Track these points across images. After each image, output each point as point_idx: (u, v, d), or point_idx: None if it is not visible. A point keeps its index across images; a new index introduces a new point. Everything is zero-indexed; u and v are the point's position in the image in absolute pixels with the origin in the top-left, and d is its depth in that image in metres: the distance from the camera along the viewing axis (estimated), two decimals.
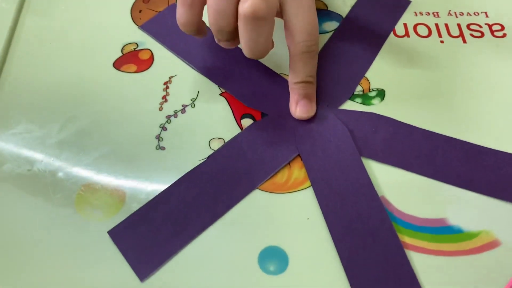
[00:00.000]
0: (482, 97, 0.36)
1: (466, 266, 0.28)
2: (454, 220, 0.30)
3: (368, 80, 0.37)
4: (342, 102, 0.35)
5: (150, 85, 0.36)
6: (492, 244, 0.29)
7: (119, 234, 0.30)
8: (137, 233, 0.30)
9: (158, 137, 0.34)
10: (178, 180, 0.31)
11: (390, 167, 0.32)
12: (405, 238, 0.29)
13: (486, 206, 0.31)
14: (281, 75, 0.37)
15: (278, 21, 0.33)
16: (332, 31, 0.40)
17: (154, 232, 0.30)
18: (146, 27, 0.40)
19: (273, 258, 0.29)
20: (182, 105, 0.35)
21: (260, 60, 0.37)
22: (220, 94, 0.36)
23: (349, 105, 0.35)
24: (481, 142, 0.33)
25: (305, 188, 0.31)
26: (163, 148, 0.33)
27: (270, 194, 0.31)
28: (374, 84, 0.36)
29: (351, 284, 0.28)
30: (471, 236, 0.30)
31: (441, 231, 0.30)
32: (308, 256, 0.29)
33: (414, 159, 0.33)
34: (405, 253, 0.29)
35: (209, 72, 0.37)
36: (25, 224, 0.30)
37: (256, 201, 0.31)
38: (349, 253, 0.29)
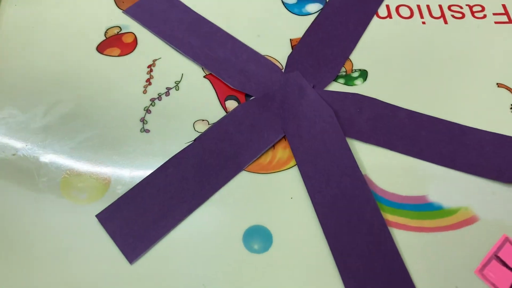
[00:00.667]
0: (464, 77, 0.36)
1: (446, 241, 0.29)
2: (435, 197, 0.31)
3: (351, 61, 0.37)
4: (327, 83, 0.36)
5: (134, 68, 0.36)
6: (470, 220, 0.30)
7: (107, 217, 0.30)
8: (125, 216, 0.30)
9: (143, 120, 0.34)
10: (165, 163, 0.32)
11: (373, 147, 0.33)
12: (388, 216, 0.30)
13: (466, 184, 0.31)
14: (265, 56, 0.37)
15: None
16: (316, 12, 0.40)
17: (142, 215, 0.30)
18: (130, 11, 0.40)
19: (258, 237, 0.29)
20: (166, 88, 0.35)
21: (244, 42, 0.37)
22: (204, 77, 0.36)
23: (333, 86, 0.36)
24: (464, 122, 0.34)
25: (289, 168, 0.32)
26: (147, 131, 0.33)
27: (255, 174, 0.32)
28: (357, 65, 0.37)
29: (336, 262, 0.28)
30: (450, 212, 0.30)
31: (422, 208, 0.30)
32: (292, 234, 0.29)
33: (398, 139, 0.33)
34: (389, 231, 0.29)
35: (193, 55, 0.37)
36: (10, 209, 0.30)
37: (241, 181, 0.31)
38: (335, 231, 0.29)
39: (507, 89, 0.36)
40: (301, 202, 0.30)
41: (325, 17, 0.39)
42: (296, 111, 0.34)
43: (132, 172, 0.31)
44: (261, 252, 0.29)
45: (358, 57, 0.37)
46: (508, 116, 0.34)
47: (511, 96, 0.35)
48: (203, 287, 0.27)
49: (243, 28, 0.38)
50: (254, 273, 0.28)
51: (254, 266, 0.28)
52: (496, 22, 0.39)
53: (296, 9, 0.40)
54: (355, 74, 0.36)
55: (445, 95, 0.35)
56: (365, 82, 0.36)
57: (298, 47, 0.37)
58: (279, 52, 0.37)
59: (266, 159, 0.32)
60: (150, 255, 0.29)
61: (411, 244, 0.29)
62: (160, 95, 0.35)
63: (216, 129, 0.33)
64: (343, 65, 0.37)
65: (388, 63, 0.37)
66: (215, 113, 0.34)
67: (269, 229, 0.29)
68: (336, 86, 0.36)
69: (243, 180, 0.31)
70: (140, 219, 0.30)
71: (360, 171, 0.31)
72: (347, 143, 0.32)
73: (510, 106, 0.35)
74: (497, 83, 0.36)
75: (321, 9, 0.40)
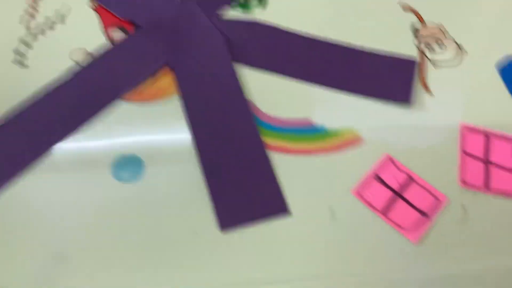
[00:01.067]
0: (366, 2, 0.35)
1: (325, 163, 0.28)
2: (319, 119, 0.30)
3: None
4: (220, 7, 0.34)
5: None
6: (354, 141, 0.29)
7: None
8: None
9: (20, 53, 0.32)
10: (41, 93, 0.30)
11: (264, 73, 0.31)
12: (268, 140, 0.29)
13: (353, 106, 0.30)
14: None
15: None
16: None
17: (11, 144, 0.29)
18: None
19: (128, 166, 0.28)
20: (52, 22, 0.34)
21: None
22: (93, 9, 0.34)
23: (230, 14, 0.34)
24: (364, 43, 0.32)
25: (171, 97, 0.31)
26: (26, 66, 0.32)
27: (135, 104, 0.30)
28: None
29: (208, 184, 0.27)
30: (334, 134, 0.29)
31: (305, 131, 0.29)
32: (164, 161, 0.28)
33: (290, 64, 0.32)
34: (266, 154, 0.28)
35: None
36: None
37: (119, 112, 0.30)
38: (210, 155, 0.28)
39: (411, 10, 0.34)
40: (182, 130, 0.29)
41: None
42: (185, 39, 0.32)
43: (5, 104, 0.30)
44: (132, 180, 0.28)
45: None
46: (407, 36, 0.33)
47: (413, 16, 0.34)
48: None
49: None
50: (123, 202, 0.27)
51: (124, 195, 0.27)
52: None
53: None
54: (254, 2, 0.35)
55: (347, 17, 0.34)
56: (264, 9, 0.34)
57: None
58: None
59: (146, 87, 0.31)
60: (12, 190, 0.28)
61: (289, 167, 0.28)
62: (43, 30, 0.33)
63: (98, 60, 0.32)
64: None
65: None
66: (100, 45, 0.32)
67: (141, 158, 0.28)
68: (234, 14, 0.34)
69: (122, 111, 0.30)
70: (9, 148, 0.29)
71: (243, 97, 0.30)
72: (233, 69, 0.31)
73: (411, 28, 0.33)
74: (402, 5, 0.34)
75: None
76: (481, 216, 0.27)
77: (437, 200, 0.27)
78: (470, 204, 0.27)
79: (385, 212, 0.27)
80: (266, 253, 0.26)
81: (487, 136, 0.28)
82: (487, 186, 0.27)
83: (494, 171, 0.28)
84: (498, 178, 0.28)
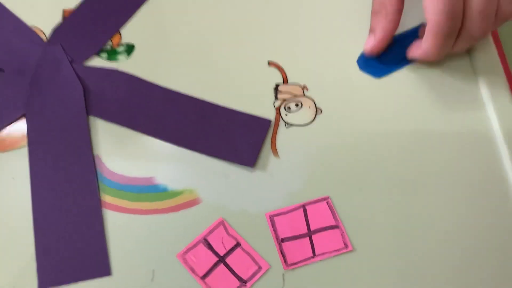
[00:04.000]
0: (237, 55, 0.35)
1: (158, 224, 0.29)
2: (162, 179, 0.30)
3: (120, 34, 0.35)
4: (87, 57, 0.34)
5: None
6: (192, 203, 0.30)
7: None
8: None
9: None
10: None
11: (117, 126, 0.32)
12: (107, 198, 0.30)
13: (197, 166, 0.31)
14: (33, 27, 0.35)
15: None
16: None
17: None
18: None
19: None
20: None
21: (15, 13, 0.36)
22: None
23: (95, 61, 0.34)
24: (227, 101, 0.33)
25: (21, 147, 0.31)
26: None
27: None
28: (125, 39, 0.35)
29: (35, 241, 0.28)
30: (174, 194, 0.30)
31: (146, 190, 0.30)
32: (2, 215, 0.29)
33: (144, 118, 0.32)
34: (101, 213, 0.29)
35: None
36: None
37: None
38: (45, 212, 0.29)
39: (276, 67, 0.35)
40: (24, 182, 0.30)
41: None
42: (45, 87, 0.33)
43: None
44: None
45: (131, 31, 0.36)
46: (269, 95, 0.34)
47: (279, 74, 0.35)
48: None
49: None
50: None
51: None
52: None
53: None
54: (121, 49, 0.35)
55: (211, 73, 0.34)
56: (130, 58, 0.35)
57: (68, 19, 0.36)
58: (49, 24, 0.35)
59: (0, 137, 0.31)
60: None
61: (123, 227, 0.29)
62: None
63: None
64: (108, 39, 0.35)
65: (159, 38, 0.35)
66: None
67: None
68: (97, 61, 0.34)
69: None
70: None
71: (90, 152, 0.31)
72: (86, 122, 0.32)
73: (274, 86, 0.34)
74: (268, 61, 0.35)
75: None
76: (299, 283, 0.28)
77: (259, 267, 0.28)
78: (290, 273, 0.28)
79: (204, 277, 0.27)
80: None
81: (303, 208, 0.29)
82: (314, 255, 0.28)
83: (315, 238, 0.29)
84: (320, 243, 0.29)
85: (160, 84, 0.33)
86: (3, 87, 0.33)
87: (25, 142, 0.31)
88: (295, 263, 0.28)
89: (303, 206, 0.30)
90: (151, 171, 0.31)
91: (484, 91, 0.33)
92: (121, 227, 0.29)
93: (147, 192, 0.30)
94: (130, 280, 0.27)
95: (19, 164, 0.30)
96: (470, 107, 0.33)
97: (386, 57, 0.34)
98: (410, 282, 0.28)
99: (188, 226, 0.29)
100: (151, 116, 0.32)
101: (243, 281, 0.27)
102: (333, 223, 0.29)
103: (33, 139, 0.31)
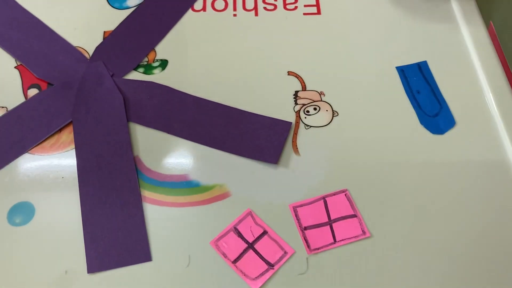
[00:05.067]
0: (261, 65, 0.39)
1: (194, 215, 0.32)
2: (194, 176, 0.34)
3: (155, 51, 0.40)
4: (126, 71, 0.39)
5: None
6: (223, 196, 0.33)
7: None
8: None
9: None
10: None
11: (154, 131, 0.36)
12: (146, 193, 0.33)
13: (226, 164, 0.34)
14: (77, 47, 0.40)
15: None
16: (135, 6, 0.42)
17: None
18: None
19: (21, 212, 0.32)
20: None
21: (61, 35, 0.40)
22: (15, 67, 0.39)
23: (132, 75, 0.39)
24: (253, 107, 0.36)
25: (69, 150, 0.35)
26: None
27: (37, 156, 0.34)
28: (160, 55, 0.39)
29: (84, 232, 0.31)
30: (206, 189, 0.33)
31: (180, 186, 0.33)
32: (54, 209, 0.32)
33: (178, 123, 0.36)
34: (141, 205, 0.32)
35: (9, 47, 0.40)
36: None
37: (21, 164, 0.34)
38: (91, 205, 0.32)
39: (295, 76, 0.38)
40: (71, 182, 0.33)
41: (141, 10, 0.42)
42: (89, 98, 0.37)
43: None
44: (22, 224, 0.32)
45: (164, 48, 0.40)
46: (289, 101, 0.37)
47: (298, 82, 0.38)
48: None
49: (63, 21, 0.41)
50: (14, 244, 0.31)
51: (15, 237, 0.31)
52: (305, 14, 0.42)
53: (117, 3, 0.43)
54: (156, 64, 0.39)
55: (237, 83, 0.38)
56: (164, 71, 0.39)
57: (108, 39, 0.40)
58: (91, 44, 0.40)
59: (50, 142, 0.35)
60: None
61: (161, 218, 0.32)
62: None
63: (9, 114, 0.36)
64: (146, 55, 0.39)
65: (190, 54, 0.39)
66: (16, 101, 0.37)
67: (33, 204, 0.32)
68: (135, 75, 0.38)
69: (23, 162, 0.34)
70: None
71: (131, 153, 0.34)
72: (127, 127, 0.35)
73: (294, 93, 0.38)
74: (288, 71, 0.39)
75: (140, 3, 0.42)
76: (321, 267, 0.30)
77: (285, 252, 0.31)
78: (314, 257, 0.31)
79: (235, 261, 0.30)
80: None
81: (324, 200, 0.32)
82: (334, 241, 0.31)
83: (336, 226, 0.31)
84: (340, 230, 0.31)
85: (191, 93, 0.37)
86: (53, 99, 0.37)
87: (73, 145, 0.35)
88: (317, 248, 0.31)
89: (323, 198, 0.32)
90: (184, 169, 0.34)
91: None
92: (159, 218, 0.32)
93: (182, 188, 0.33)
94: (168, 265, 0.30)
95: (68, 165, 0.34)
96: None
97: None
98: (422, 265, 0.30)
99: (219, 216, 0.32)
100: (183, 121, 0.36)
101: (270, 265, 0.30)
102: (351, 212, 0.32)
103: (80, 142, 0.35)
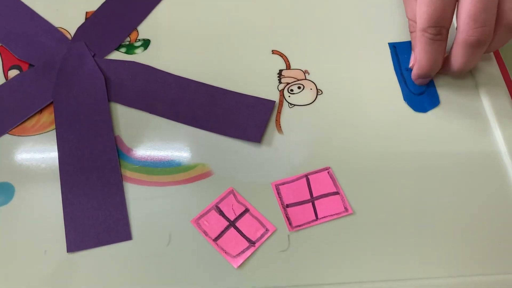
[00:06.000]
0: (245, 45, 0.38)
1: (174, 194, 0.32)
2: (175, 155, 0.33)
3: (137, 31, 0.39)
4: (108, 52, 0.38)
5: None
6: (205, 175, 0.33)
7: None
8: None
9: None
10: None
11: (136, 111, 0.35)
12: (127, 172, 0.33)
13: (208, 143, 0.34)
14: (58, 28, 0.39)
15: None
16: None
17: None
18: None
19: (0, 192, 0.32)
20: None
21: (43, 16, 0.40)
22: None
23: (114, 55, 0.38)
24: (236, 86, 0.36)
25: (50, 131, 0.34)
26: None
27: (14, 137, 0.34)
28: (142, 35, 0.39)
29: (64, 212, 0.31)
30: (187, 168, 0.33)
31: (162, 165, 0.33)
32: (34, 190, 0.32)
33: (160, 103, 0.35)
34: (122, 185, 0.32)
35: None
36: None
37: (2, 144, 0.34)
38: (71, 185, 0.32)
39: (280, 55, 0.38)
40: (52, 162, 0.33)
41: None
42: (70, 78, 0.36)
43: None
44: (2, 204, 0.31)
45: (147, 28, 0.39)
46: (273, 80, 0.37)
47: (282, 61, 0.38)
48: None
49: (45, 1, 0.41)
50: None
51: None
52: None
53: None
54: (138, 44, 0.38)
55: (220, 62, 0.37)
56: (146, 51, 0.38)
57: (90, 19, 0.40)
58: (73, 24, 0.39)
59: (30, 123, 0.35)
60: None
61: (142, 197, 0.32)
62: None
63: None
64: (128, 35, 0.39)
65: (172, 33, 0.39)
66: None
67: (13, 185, 0.32)
68: (117, 55, 0.38)
69: (3, 143, 0.34)
70: None
71: (112, 133, 0.34)
72: (108, 108, 0.35)
73: (278, 72, 0.37)
74: (272, 50, 0.38)
75: None
76: (303, 244, 0.30)
77: (266, 230, 0.30)
78: (295, 234, 0.30)
79: (216, 239, 0.30)
80: (107, 272, 0.29)
81: (306, 178, 0.32)
82: (316, 218, 0.31)
83: (318, 203, 0.31)
84: (323, 207, 0.31)
85: (173, 73, 0.37)
86: (34, 79, 0.36)
87: (53, 126, 0.35)
88: (299, 226, 0.30)
89: (306, 176, 0.32)
90: (166, 149, 0.34)
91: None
92: (140, 198, 0.32)
93: (163, 167, 0.33)
94: (148, 243, 0.30)
95: (48, 145, 0.34)
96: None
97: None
98: (405, 240, 0.30)
99: (201, 195, 0.32)
100: (165, 101, 0.35)
101: (251, 242, 0.30)
102: (334, 190, 0.32)
103: (60, 123, 0.34)
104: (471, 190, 0.32)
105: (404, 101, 0.35)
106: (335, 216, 0.31)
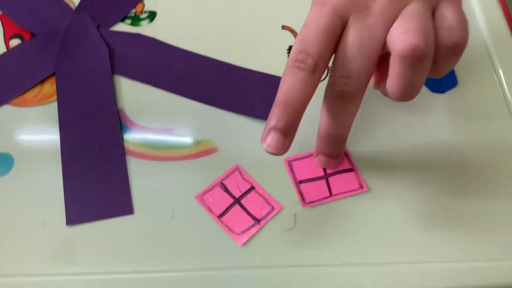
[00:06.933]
0: (253, 20, 0.37)
1: (178, 169, 0.31)
2: (181, 130, 0.32)
3: (143, 2, 0.38)
4: (112, 23, 0.37)
5: None
6: (210, 151, 0.32)
7: None
8: None
9: None
10: None
11: (139, 83, 0.34)
12: (130, 146, 0.32)
13: (214, 119, 0.33)
14: None
15: None
16: None
17: None
18: None
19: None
20: None
21: None
22: None
23: (118, 27, 0.37)
24: (245, 62, 0.35)
25: (52, 102, 0.33)
26: None
27: (16, 107, 0.33)
28: (148, 7, 0.38)
29: (64, 183, 0.30)
30: (192, 144, 0.32)
31: (165, 140, 0.32)
32: (34, 161, 0.31)
33: (165, 76, 0.34)
34: (125, 158, 0.31)
35: None
36: None
37: (2, 115, 0.33)
38: (73, 158, 0.31)
39: (290, 30, 0.37)
40: (53, 132, 0.32)
41: None
42: (73, 49, 0.35)
43: None
44: (1, 175, 0.30)
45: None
46: (283, 57, 0.35)
47: (292, 37, 0.36)
48: None
49: None
50: None
51: None
52: None
53: None
54: (144, 15, 0.37)
55: (229, 37, 0.36)
56: (152, 23, 0.37)
57: None
58: None
59: (32, 93, 0.34)
60: None
61: (144, 172, 0.31)
62: None
63: None
64: (133, 6, 0.38)
65: (179, 6, 0.38)
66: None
67: (12, 155, 0.31)
68: (122, 27, 0.37)
69: (4, 113, 0.33)
70: None
71: (115, 106, 0.33)
72: (112, 79, 0.34)
73: (287, 48, 0.36)
74: (282, 25, 0.37)
75: None
76: (311, 221, 0.29)
77: (272, 208, 0.29)
78: (302, 212, 0.29)
79: (221, 216, 0.29)
80: (107, 246, 0.28)
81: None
82: (330, 195, 0.30)
83: (332, 180, 0.30)
84: (337, 184, 0.30)
85: (179, 46, 0.35)
86: (36, 49, 0.35)
87: (55, 97, 0.33)
88: (312, 202, 0.29)
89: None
90: (171, 123, 0.32)
91: None
92: (143, 172, 0.31)
93: (167, 142, 0.32)
94: (151, 218, 0.29)
95: (49, 117, 0.33)
96: None
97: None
98: (421, 221, 0.29)
99: (205, 172, 0.31)
100: (171, 75, 0.34)
101: (257, 220, 0.29)
102: (348, 167, 0.31)
103: (62, 94, 0.33)
104: (487, 170, 0.31)
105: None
106: (349, 193, 0.30)
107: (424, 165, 0.31)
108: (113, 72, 0.34)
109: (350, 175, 0.30)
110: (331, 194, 0.30)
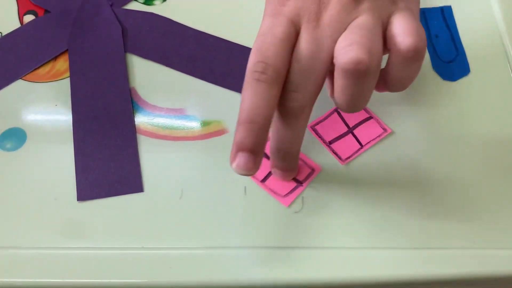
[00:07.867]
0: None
1: (191, 149, 0.31)
2: (191, 111, 0.32)
3: None
4: (126, 2, 0.37)
5: None
6: (220, 132, 0.32)
7: None
8: None
9: None
10: None
11: (153, 64, 0.34)
12: (141, 125, 0.32)
13: (223, 100, 0.33)
14: None
15: None
16: None
17: None
18: None
19: (12, 137, 0.31)
20: None
21: None
22: None
23: (132, 5, 0.37)
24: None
25: (64, 78, 0.34)
26: None
27: (29, 83, 0.33)
28: None
29: (75, 161, 0.30)
30: (203, 124, 0.32)
31: (175, 119, 0.32)
32: (46, 137, 0.31)
33: (176, 56, 0.34)
34: (135, 137, 0.31)
35: None
36: None
37: (15, 89, 0.33)
38: (84, 134, 0.31)
39: None
40: (65, 109, 0.32)
41: None
42: (86, 27, 0.35)
43: None
44: (14, 149, 0.31)
45: None
46: None
47: None
48: None
49: None
50: (4, 168, 0.30)
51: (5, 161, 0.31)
52: None
53: None
54: None
55: (245, 20, 0.36)
56: (165, 3, 0.37)
57: None
58: None
59: (45, 69, 0.34)
60: None
61: (155, 150, 0.31)
62: None
63: (4, 40, 0.35)
64: None
65: None
66: (11, 26, 0.36)
67: (24, 130, 0.31)
68: (135, 5, 0.37)
69: (17, 88, 0.33)
70: None
71: (127, 84, 0.33)
72: (124, 58, 0.34)
73: None
74: None
75: None
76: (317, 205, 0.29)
77: (312, 170, 0.30)
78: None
79: (263, 180, 0.30)
80: (117, 223, 0.29)
81: (337, 111, 0.32)
82: (361, 146, 0.31)
83: (357, 132, 0.31)
84: (363, 134, 0.31)
85: (192, 26, 0.35)
86: (49, 26, 0.35)
87: (68, 74, 0.34)
88: (348, 157, 0.30)
89: (336, 110, 0.32)
90: (182, 103, 0.33)
91: None
92: (153, 151, 0.31)
93: (178, 122, 0.32)
94: (160, 196, 0.29)
95: (62, 93, 0.33)
96: None
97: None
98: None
99: (215, 153, 0.31)
100: (183, 55, 0.34)
101: (299, 182, 0.30)
102: (366, 116, 0.32)
103: (75, 71, 0.34)
104: (499, 160, 0.31)
105: (433, 69, 0.34)
106: (377, 139, 0.31)
107: (431, 153, 0.31)
108: (125, 51, 0.34)
109: (371, 122, 0.31)
110: (361, 146, 0.31)
